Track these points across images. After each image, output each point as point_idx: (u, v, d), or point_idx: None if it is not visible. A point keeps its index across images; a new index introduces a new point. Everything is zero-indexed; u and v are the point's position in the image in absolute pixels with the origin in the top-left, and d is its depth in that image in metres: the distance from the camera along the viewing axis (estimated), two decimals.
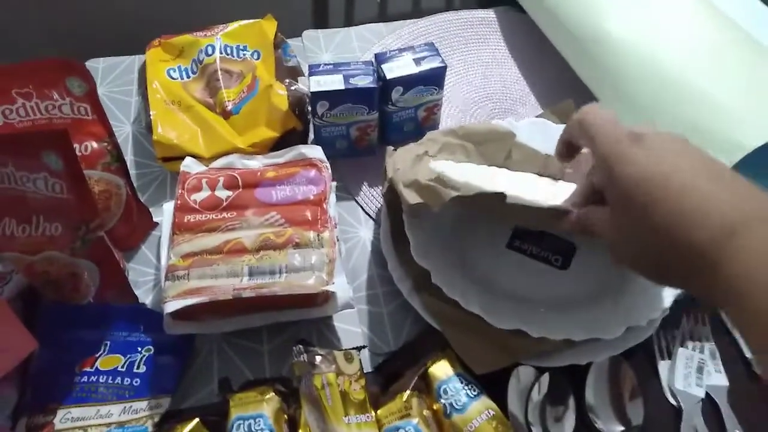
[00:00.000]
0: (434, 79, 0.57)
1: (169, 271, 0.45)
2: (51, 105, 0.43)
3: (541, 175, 0.54)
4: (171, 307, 0.42)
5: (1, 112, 0.42)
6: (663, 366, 0.46)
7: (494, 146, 0.56)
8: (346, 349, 0.43)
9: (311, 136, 0.60)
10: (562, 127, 0.56)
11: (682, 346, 0.47)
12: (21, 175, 0.39)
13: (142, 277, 0.52)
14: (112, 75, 0.67)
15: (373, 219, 0.57)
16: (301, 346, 0.42)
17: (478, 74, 0.68)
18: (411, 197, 0.44)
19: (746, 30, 0.55)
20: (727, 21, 0.56)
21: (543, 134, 0.57)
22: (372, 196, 0.58)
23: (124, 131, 0.62)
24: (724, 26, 0.56)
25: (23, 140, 0.37)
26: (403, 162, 0.51)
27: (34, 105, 0.42)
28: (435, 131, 0.56)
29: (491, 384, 0.44)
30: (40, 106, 0.42)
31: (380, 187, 0.57)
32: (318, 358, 0.41)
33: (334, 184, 0.53)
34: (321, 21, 0.78)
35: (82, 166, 0.39)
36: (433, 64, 0.57)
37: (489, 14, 0.74)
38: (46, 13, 0.77)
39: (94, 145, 0.46)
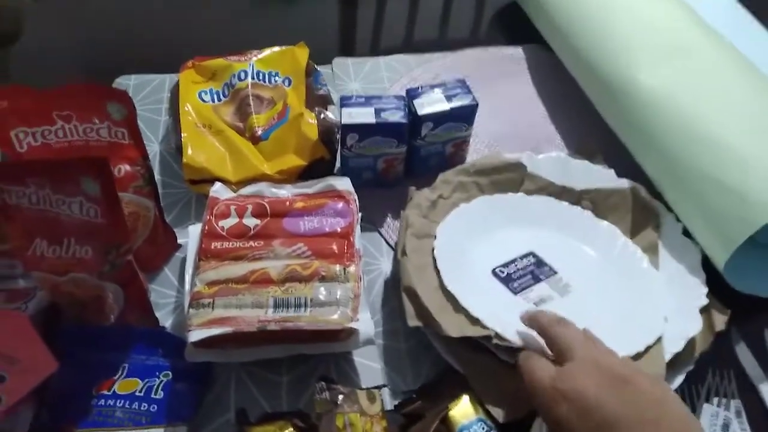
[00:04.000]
0: (464, 116, 0.58)
1: (194, 299, 0.45)
2: (89, 128, 0.43)
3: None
4: (195, 336, 0.42)
5: (41, 133, 0.42)
6: None
7: (506, 177, 0.58)
8: (368, 388, 0.43)
9: (338, 164, 0.60)
10: (582, 162, 0.57)
11: (707, 402, 0.46)
12: (57, 198, 0.39)
13: (163, 299, 0.52)
14: (142, 93, 0.68)
15: (395, 251, 0.57)
16: (324, 383, 0.41)
17: (505, 111, 0.69)
18: (410, 316, 0.46)
19: None
20: (762, 79, 0.56)
21: (563, 168, 0.58)
22: (395, 229, 0.58)
23: (151, 150, 0.62)
24: (759, 84, 0.55)
25: (63, 165, 0.37)
26: (415, 214, 0.53)
27: (73, 127, 0.43)
28: (448, 172, 0.57)
29: (513, 429, 0.43)
30: (79, 129, 0.43)
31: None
32: (341, 397, 0.41)
33: (360, 215, 0.53)
34: (349, 48, 0.79)
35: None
36: (464, 101, 0.57)
37: (517, 51, 0.75)
38: (83, 29, 0.78)
39: (128, 168, 0.46)
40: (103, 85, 0.42)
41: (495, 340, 0.44)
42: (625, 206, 0.56)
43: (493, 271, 0.52)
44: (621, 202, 0.56)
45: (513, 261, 0.53)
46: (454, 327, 0.45)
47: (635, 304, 0.50)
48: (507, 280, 0.52)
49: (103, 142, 0.44)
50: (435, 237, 0.52)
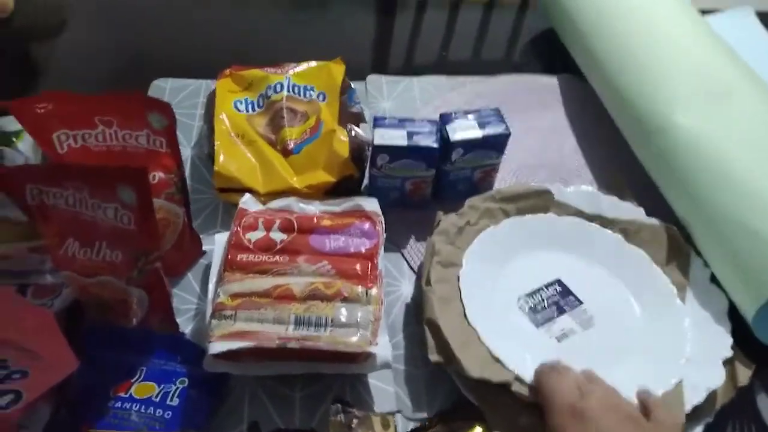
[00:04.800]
0: (496, 144, 0.58)
1: (217, 310, 0.45)
2: (129, 134, 0.44)
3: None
4: (216, 348, 0.42)
5: (81, 136, 0.43)
6: None
7: (533, 204, 0.57)
8: (383, 414, 0.43)
9: (365, 182, 0.60)
10: (611, 198, 0.57)
11: None
12: (93, 202, 0.40)
13: (184, 305, 0.53)
14: (178, 97, 0.69)
15: (417, 274, 0.57)
16: (339, 405, 0.42)
17: (537, 140, 0.68)
18: (432, 350, 0.47)
19: None
20: None
21: (592, 201, 0.57)
22: (418, 251, 0.58)
23: (183, 154, 0.62)
24: None
25: (103, 172, 0.38)
26: (442, 241, 0.52)
27: (113, 132, 0.43)
28: (475, 197, 0.57)
29: None
30: (118, 135, 0.44)
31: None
32: (355, 421, 0.41)
33: (384, 236, 0.54)
34: (382, 64, 0.79)
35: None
36: (497, 129, 0.57)
37: (552, 80, 0.74)
38: (123, 29, 0.79)
39: (162, 175, 0.47)
40: (147, 96, 0.43)
41: (514, 387, 0.44)
42: (657, 242, 0.55)
43: (518, 302, 0.52)
44: (652, 238, 0.55)
45: (539, 290, 0.53)
46: (474, 367, 0.45)
47: (658, 342, 0.49)
48: (531, 312, 0.51)
49: (140, 149, 0.45)
50: (461, 265, 0.52)
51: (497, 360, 0.46)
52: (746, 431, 0.47)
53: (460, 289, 0.51)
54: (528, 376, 0.45)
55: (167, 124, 0.44)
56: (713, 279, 0.52)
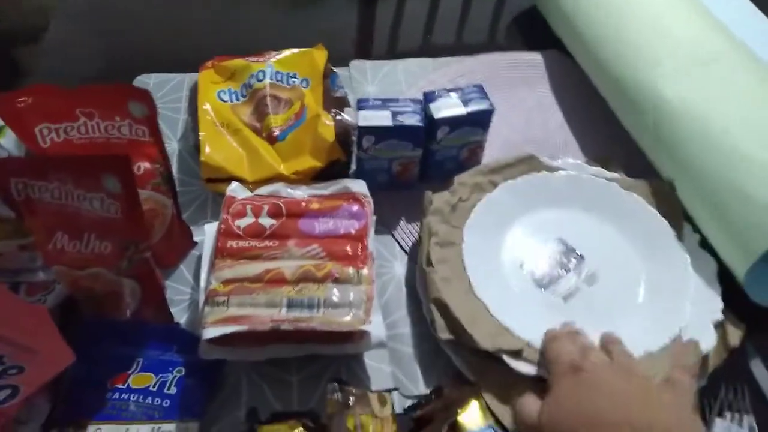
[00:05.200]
0: (480, 121, 0.58)
1: (209, 296, 0.45)
2: (111, 125, 0.44)
3: None
4: (209, 333, 0.43)
5: (63, 129, 0.43)
6: None
7: (521, 170, 0.58)
8: (380, 391, 0.43)
9: (353, 167, 0.60)
10: (597, 169, 0.57)
11: (719, 417, 0.46)
12: (78, 193, 0.40)
13: (177, 296, 0.53)
14: (161, 91, 0.69)
15: (409, 255, 0.57)
16: (336, 384, 0.42)
17: (522, 117, 0.68)
18: (441, 329, 0.47)
19: None
20: None
21: (578, 170, 0.58)
22: (409, 232, 0.58)
23: (170, 148, 0.63)
24: None
25: (86, 161, 0.38)
26: (437, 221, 0.53)
27: (95, 124, 0.43)
28: (463, 174, 0.57)
29: None
30: (101, 126, 0.44)
31: (417, 223, 0.57)
32: (352, 399, 0.41)
33: (374, 218, 0.54)
34: (366, 50, 0.79)
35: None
36: (481, 106, 0.57)
37: (536, 57, 0.74)
38: (105, 27, 0.79)
39: (147, 165, 0.47)
40: (126, 85, 0.42)
41: (525, 353, 0.45)
42: (651, 195, 0.56)
43: (522, 267, 0.52)
44: (647, 192, 0.56)
45: (541, 252, 0.53)
46: (486, 339, 0.45)
47: (662, 289, 0.50)
48: (535, 276, 0.52)
49: (123, 140, 0.45)
50: (460, 242, 0.52)
51: (507, 330, 0.46)
52: (739, 393, 0.48)
53: (463, 264, 0.51)
54: (538, 341, 0.45)
55: (148, 113, 0.44)
56: (702, 245, 0.53)
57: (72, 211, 0.41)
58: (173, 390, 0.46)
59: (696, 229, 0.53)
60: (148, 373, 0.47)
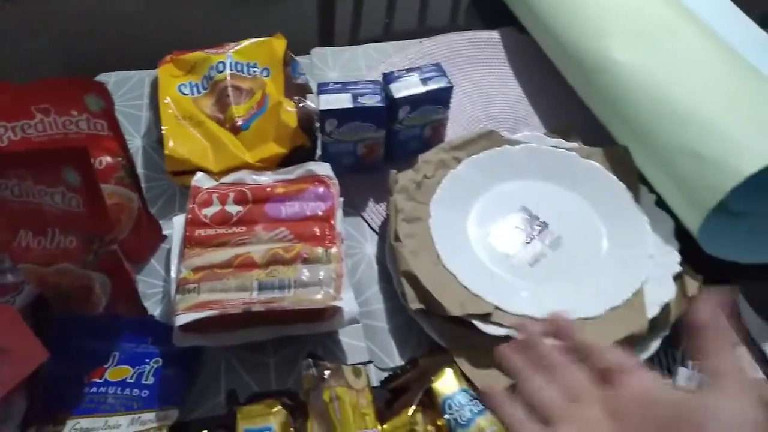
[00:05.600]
0: (440, 98, 0.59)
1: (180, 285, 0.46)
2: (68, 121, 0.44)
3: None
4: (182, 320, 0.43)
5: (20, 127, 0.43)
6: None
7: (482, 146, 0.59)
8: (354, 364, 0.44)
9: (319, 152, 0.61)
10: (556, 140, 0.59)
11: (682, 365, 0.48)
12: (39, 188, 0.40)
13: (150, 289, 0.53)
14: (122, 89, 0.69)
15: (378, 234, 0.58)
16: (311, 360, 0.43)
17: (483, 94, 0.70)
18: (412, 299, 0.48)
19: (747, 59, 0.57)
20: (729, 50, 0.57)
21: (539, 141, 0.59)
22: (377, 212, 0.59)
23: (134, 145, 0.63)
24: (726, 55, 0.57)
25: (44, 155, 0.38)
26: (403, 198, 0.54)
27: (52, 120, 0.43)
28: (427, 152, 0.58)
29: None
30: (58, 122, 0.43)
31: (386, 203, 0.58)
32: (327, 372, 0.42)
33: (341, 199, 0.54)
34: (328, 38, 0.80)
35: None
36: (440, 84, 0.58)
37: (493, 35, 0.76)
38: (58, 30, 0.78)
39: (109, 159, 0.47)
40: (81, 78, 0.42)
41: (494, 317, 0.46)
42: (609, 160, 0.58)
43: (488, 237, 0.54)
44: (604, 158, 0.58)
45: (506, 221, 0.55)
46: (455, 306, 0.47)
47: (623, 246, 0.52)
48: (501, 245, 0.53)
49: (82, 134, 0.45)
50: (427, 217, 0.53)
51: (476, 296, 0.48)
52: None
53: (431, 237, 0.52)
54: (507, 305, 0.47)
55: (105, 106, 0.44)
56: (658, 204, 0.54)
57: (34, 208, 0.40)
58: (151, 380, 0.46)
59: (652, 190, 0.55)
60: (125, 366, 0.47)
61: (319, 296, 0.45)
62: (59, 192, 0.39)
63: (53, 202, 0.40)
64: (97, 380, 0.46)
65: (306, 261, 0.47)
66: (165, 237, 0.56)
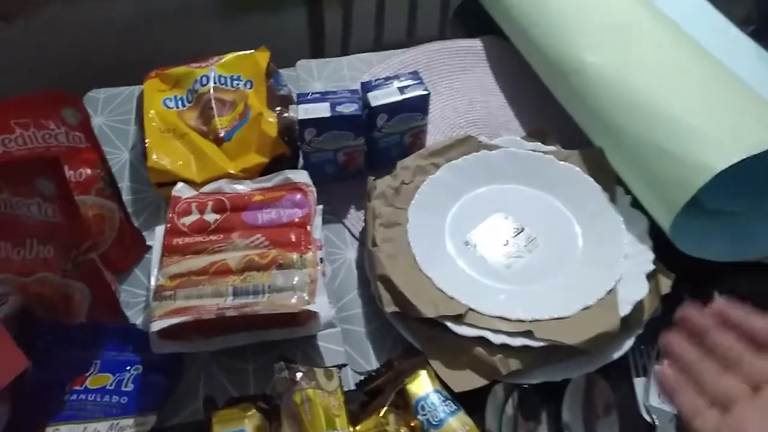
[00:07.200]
0: (418, 106, 0.60)
1: (157, 292, 0.46)
2: (48, 134, 0.45)
3: None
4: (157, 326, 0.44)
5: (1, 141, 0.44)
6: (638, 383, 0.47)
7: (460, 151, 0.60)
8: (326, 367, 0.45)
9: (301, 161, 0.62)
10: (534, 144, 0.60)
11: (657, 363, 0.47)
12: (16, 200, 0.41)
13: (133, 299, 0.54)
14: (111, 105, 0.70)
15: (359, 240, 0.59)
16: (282, 363, 0.43)
17: (464, 101, 0.71)
18: (387, 302, 0.49)
19: (715, 55, 0.57)
20: (699, 49, 0.58)
21: (515, 147, 0.60)
22: (358, 219, 0.60)
23: (121, 158, 0.64)
24: (694, 52, 0.57)
25: (17, 167, 0.39)
26: (381, 204, 0.55)
27: (32, 134, 0.45)
28: (406, 159, 0.59)
29: (470, 400, 0.44)
30: (37, 135, 0.45)
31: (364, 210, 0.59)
32: (299, 375, 0.43)
33: (321, 207, 0.55)
34: (317, 50, 0.81)
35: (74, 192, 0.41)
36: (417, 92, 0.59)
37: (475, 43, 0.77)
38: (48, 49, 0.80)
39: (88, 171, 0.48)
40: (57, 91, 0.44)
41: (467, 318, 0.47)
42: (586, 163, 0.58)
43: (466, 241, 0.54)
44: (581, 160, 0.59)
45: (484, 225, 0.55)
46: (429, 308, 0.47)
47: (598, 246, 0.53)
48: (478, 249, 0.54)
49: (62, 147, 0.46)
50: (404, 222, 0.54)
51: (451, 298, 0.48)
52: None
53: (409, 243, 0.53)
54: (482, 306, 0.47)
55: (82, 119, 0.46)
56: (634, 204, 0.55)
57: (11, 219, 0.42)
58: (131, 387, 0.47)
59: (628, 191, 0.55)
60: (106, 374, 0.48)
61: (292, 301, 0.46)
62: (35, 203, 0.41)
63: (30, 213, 0.41)
64: (78, 388, 0.46)
65: (281, 266, 0.48)
66: (149, 247, 0.57)
